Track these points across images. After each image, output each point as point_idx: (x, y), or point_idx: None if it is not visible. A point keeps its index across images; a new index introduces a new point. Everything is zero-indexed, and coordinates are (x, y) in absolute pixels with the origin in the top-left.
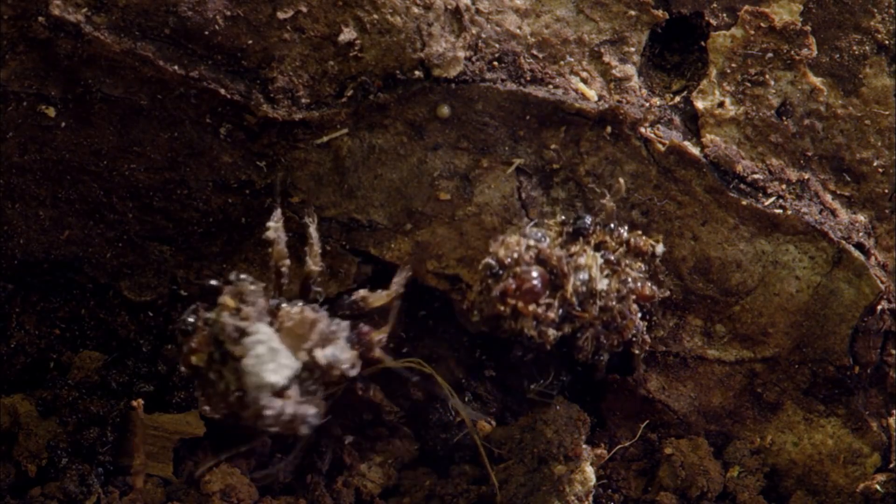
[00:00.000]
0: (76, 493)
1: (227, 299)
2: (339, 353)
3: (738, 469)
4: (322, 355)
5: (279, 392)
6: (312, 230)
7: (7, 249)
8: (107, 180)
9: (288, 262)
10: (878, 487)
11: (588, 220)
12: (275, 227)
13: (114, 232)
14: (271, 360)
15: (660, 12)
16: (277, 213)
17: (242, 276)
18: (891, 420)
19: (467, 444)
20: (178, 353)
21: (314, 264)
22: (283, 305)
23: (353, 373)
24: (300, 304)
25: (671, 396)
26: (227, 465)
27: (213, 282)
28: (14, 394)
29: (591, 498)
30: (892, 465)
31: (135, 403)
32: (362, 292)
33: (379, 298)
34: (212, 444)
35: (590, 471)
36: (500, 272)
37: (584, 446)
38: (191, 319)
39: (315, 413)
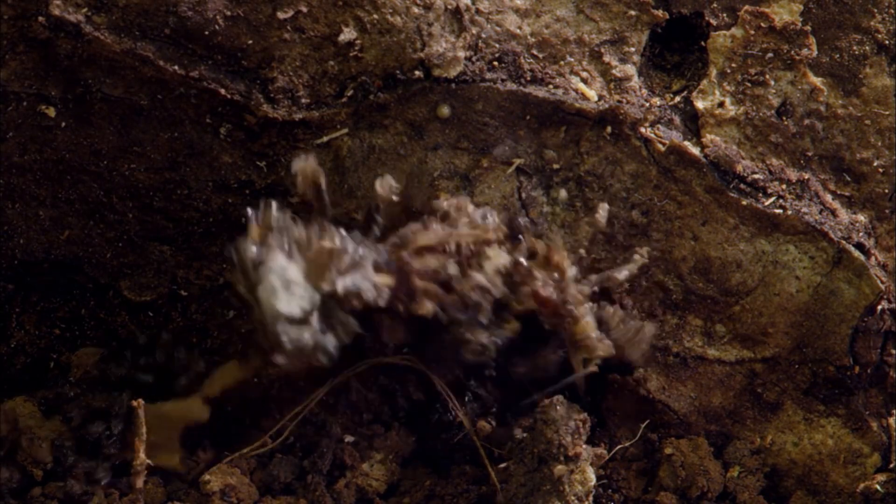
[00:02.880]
0: (80, 493)
1: (253, 228)
2: (359, 282)
3: (738, 469)
4: (341, 284)
5: (297, 321)
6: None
7: (7, 249)
8: (107, 180)
9: (323, 176)
10: (878, 487)
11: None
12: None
13: (114, 232)
14: (284, 290)
15: (660, 12)
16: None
17: (272, 203)
18: (891, 420)
19: (467, 444)
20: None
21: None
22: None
23: (381, 301)
24: (340, 230)
25: (671, 396)
26: (227, 465)
27: (249, 210)
28: (15, 396)
29: (591, 498)
30: (892, 465)
31: (135, 404)
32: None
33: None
34: (212, 443)
35: (590, 471)
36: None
37: (584, 446)
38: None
39: (335, 344)
